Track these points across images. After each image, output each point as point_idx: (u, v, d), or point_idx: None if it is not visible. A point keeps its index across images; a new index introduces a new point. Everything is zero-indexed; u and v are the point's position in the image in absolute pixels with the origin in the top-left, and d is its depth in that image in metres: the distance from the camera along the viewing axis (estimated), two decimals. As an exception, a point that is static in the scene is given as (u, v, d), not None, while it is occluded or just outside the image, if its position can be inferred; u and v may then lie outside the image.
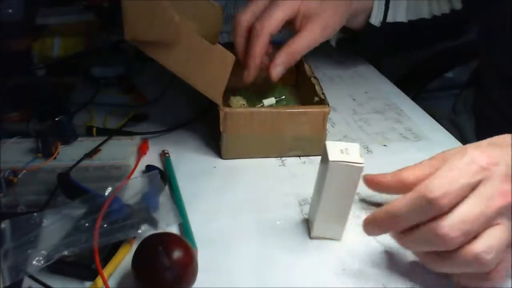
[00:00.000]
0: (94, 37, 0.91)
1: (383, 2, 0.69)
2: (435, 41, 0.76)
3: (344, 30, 0.73)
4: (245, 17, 0.60)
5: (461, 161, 0.39)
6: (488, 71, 0.75)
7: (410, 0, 0.71)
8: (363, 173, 0.45)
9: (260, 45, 0.59)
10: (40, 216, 0.47)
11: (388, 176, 0.48)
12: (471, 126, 0.80)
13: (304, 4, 0.61)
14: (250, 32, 0.60)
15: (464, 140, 0.77)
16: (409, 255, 0.48)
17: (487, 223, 0.38)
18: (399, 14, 0.71)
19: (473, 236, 0.38)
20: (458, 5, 0.73)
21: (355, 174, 0.44)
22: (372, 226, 0.44)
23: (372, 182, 0.49)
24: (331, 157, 0.44)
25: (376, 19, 0.69)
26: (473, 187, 0.39)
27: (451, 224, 0.38)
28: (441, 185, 0.38)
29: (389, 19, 0.70)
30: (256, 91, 0.73)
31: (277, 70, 0.61)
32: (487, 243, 0.38)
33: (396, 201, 0.41)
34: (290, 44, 0.61)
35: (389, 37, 0.72)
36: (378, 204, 0.55)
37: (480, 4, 0.69)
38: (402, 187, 0.45)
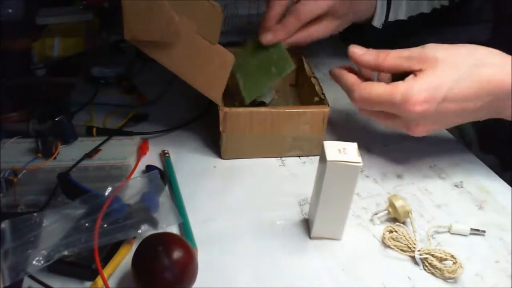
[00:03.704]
0: (94, 37, 0.91)
1: (385, 3, 0.70)
2: (432, 31, 0.76)
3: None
4: None
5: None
6: None
7: None
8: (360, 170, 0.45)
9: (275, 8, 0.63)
10: (40, 216, 0.47)
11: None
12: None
13: None
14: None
15: (463, 136, 0.77)
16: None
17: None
18: (400, 13, 0.72)
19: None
20: None
21: (353, 173, 0.44)
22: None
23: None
24: (329, 157, 0.44)
25: (378, 22, 0.70)
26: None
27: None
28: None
29: (391, 18, 0.71)
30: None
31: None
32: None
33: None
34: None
35: (390, 33, 0.73)
36: (379, 206, 0.55)
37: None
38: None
